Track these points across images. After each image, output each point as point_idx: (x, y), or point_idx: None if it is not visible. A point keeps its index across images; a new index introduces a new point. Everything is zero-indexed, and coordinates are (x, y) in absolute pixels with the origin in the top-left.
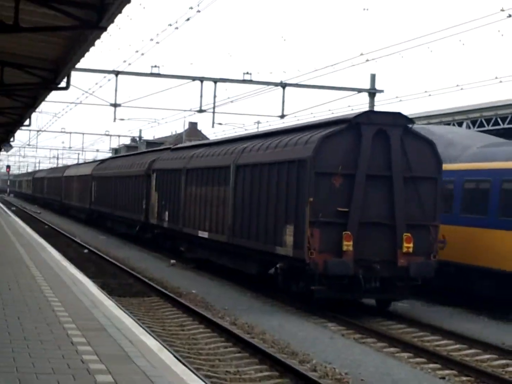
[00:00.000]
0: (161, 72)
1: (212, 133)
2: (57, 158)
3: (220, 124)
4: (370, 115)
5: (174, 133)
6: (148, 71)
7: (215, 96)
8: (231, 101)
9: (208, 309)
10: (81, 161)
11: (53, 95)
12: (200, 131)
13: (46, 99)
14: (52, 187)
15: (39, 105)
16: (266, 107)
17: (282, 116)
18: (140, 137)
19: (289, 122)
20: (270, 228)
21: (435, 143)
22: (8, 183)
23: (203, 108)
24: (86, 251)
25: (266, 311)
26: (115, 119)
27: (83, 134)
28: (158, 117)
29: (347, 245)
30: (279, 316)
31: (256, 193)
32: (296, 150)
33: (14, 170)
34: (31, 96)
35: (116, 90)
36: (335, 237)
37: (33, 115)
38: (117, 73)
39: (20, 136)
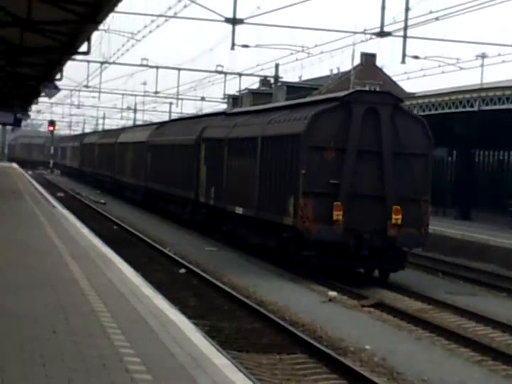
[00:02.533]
0: None
1: (401, 72)
2: (134, 111)
3: (415, 58)
4: (360, 94)
5: (336, 72)
6: None
7: (407, 9)
8: (436, 18)
9: (393, 380)
10: (175, 117)
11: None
12: (380, 70)
13: (117, 9)
14: (104, 157)
15: (104, 18)
16: (498, 26)
17: None
18: (276, 77)
19: None
20: (280, 200)
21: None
22: (52, 151)
23: (386, 29)
24: (182, 271)
25: None
26: (233, 45)
27: (178, 70)
28: (308, 44)
29: (337, 214)
30: None
31: (273, 165)
32: (293, 126)
33: (60, 129)
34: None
35: None
36: (327, 208)
37: (95, 35)
38: None
39: (73, 71)
